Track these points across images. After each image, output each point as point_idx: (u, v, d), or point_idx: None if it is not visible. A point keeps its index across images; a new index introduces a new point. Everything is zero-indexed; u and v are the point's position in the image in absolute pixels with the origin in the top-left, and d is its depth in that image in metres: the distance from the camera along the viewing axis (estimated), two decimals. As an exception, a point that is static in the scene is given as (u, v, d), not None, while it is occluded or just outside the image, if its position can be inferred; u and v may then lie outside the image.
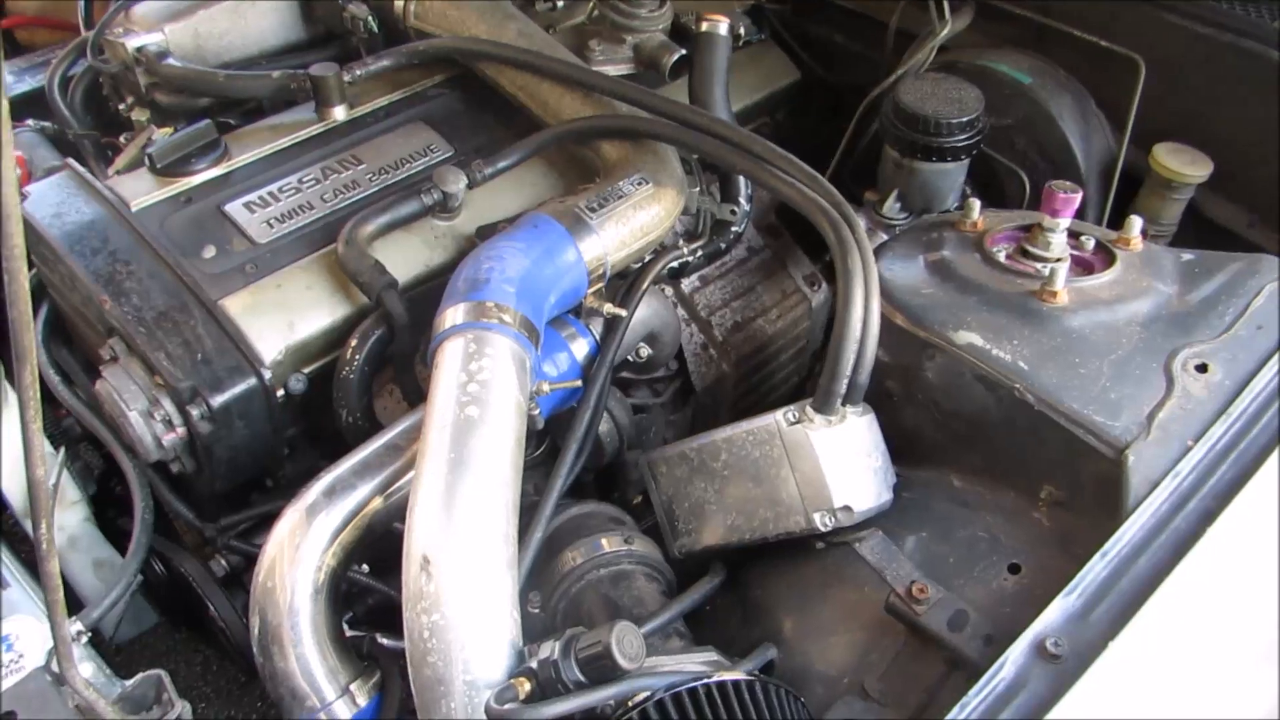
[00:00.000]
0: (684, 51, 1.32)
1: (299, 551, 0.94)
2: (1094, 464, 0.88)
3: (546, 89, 1.26)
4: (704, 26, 1.31)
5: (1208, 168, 1.24)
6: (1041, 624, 0.76)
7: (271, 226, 1.16)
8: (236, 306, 1.08)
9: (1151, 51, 1.25)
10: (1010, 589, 0.90)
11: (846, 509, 0.93)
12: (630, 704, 0.76)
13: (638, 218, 1.13)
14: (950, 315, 0.99)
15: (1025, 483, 0.95)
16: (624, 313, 1.12)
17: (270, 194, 1.20)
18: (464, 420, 0.88)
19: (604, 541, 1.02)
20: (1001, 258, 1.04)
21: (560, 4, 1.46)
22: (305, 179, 1.22)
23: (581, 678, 0.79)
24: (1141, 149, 1.29)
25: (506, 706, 0.77)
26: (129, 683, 0.84)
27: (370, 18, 1.36)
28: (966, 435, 0.98)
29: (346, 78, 1.27)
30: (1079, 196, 1.01)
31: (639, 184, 1.14)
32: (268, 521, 1.15)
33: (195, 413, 1.02)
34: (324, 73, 1.26)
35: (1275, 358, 0.91)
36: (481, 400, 0.90)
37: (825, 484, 0.93)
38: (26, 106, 1.51)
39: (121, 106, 1.39)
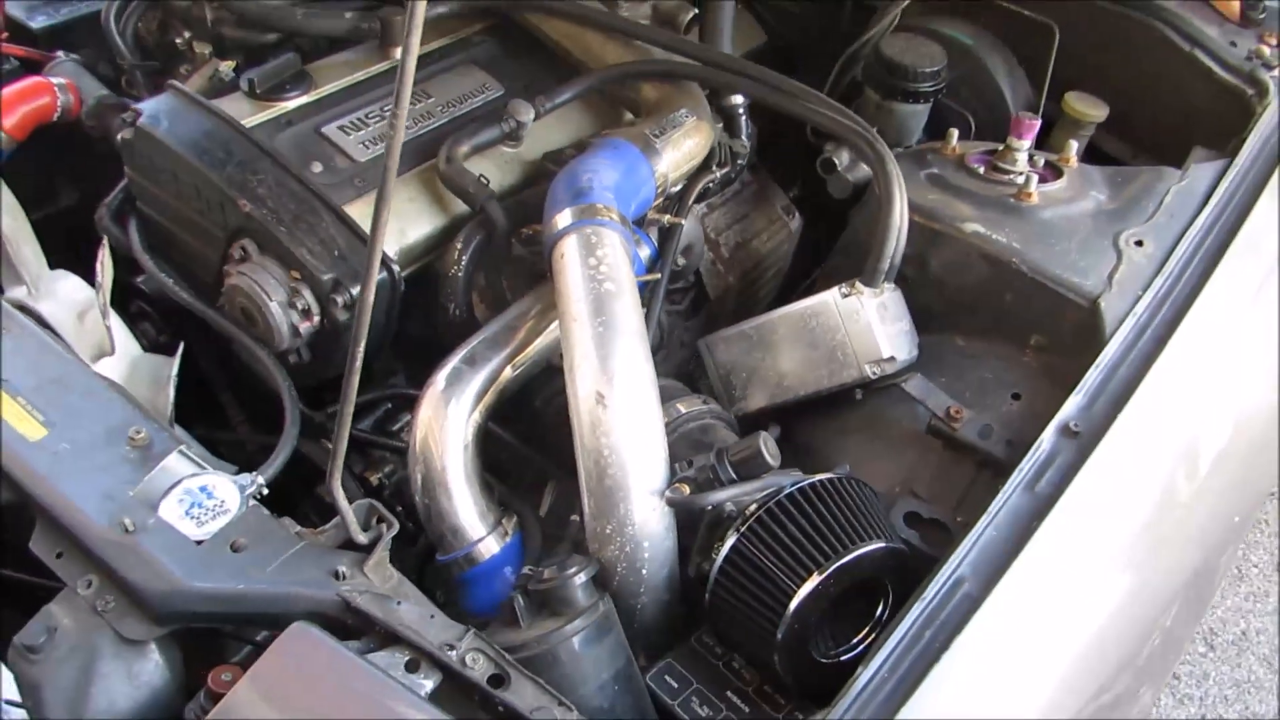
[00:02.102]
0: (696, 10, 1.57)
1: (449, 409, 1.13)
2: (1073, 314, 1.21)
3: (590, 37, 1.47)
4: (708, -9, 1.57)
5: (1105, 110, 1.60)
6: (1061, 413, 1.07)
7: (367, 147, 1.33)
8: (357, 213, 1.25)
9: (1061, 19, 1.60)
10: (1016, 410, 1.21)
11: (891, 359, 1.22)
12: (784, 493, 1.01)
13: (686, 144, 1.38)
14: (955, 212, 1.29)
15: (1016, 336, 1.26)
16: (683, 221, 1.37)
17: (359, 119, 1.36)
18: (603, 293, 1.10)
19: (683, 403, 1.26)
20: (981, 171, 1.36)
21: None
22: (386, 108, 1.39)
23: (735, 475, 1.04)
24: (1051, 98, 1.64)
25: (683, 499, 1.01)
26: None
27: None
28: (968, 304, 1.29)
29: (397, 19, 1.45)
30: (1039, 123, 1.33)
31: (686, 116, 1.39)
32: (368, 409, 1.34)
33: (340, 300, 1.19)
34: (391, 15, 1.43)
35: (1186, 234, 1.26)
36: (613, 278, 1.12)
37: (875, 341, 1.21)
38: (51, 39, 1.59)
39: (179, 41, 1.50)
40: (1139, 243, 1.26)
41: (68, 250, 1.34)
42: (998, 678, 0.92)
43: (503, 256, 1.32)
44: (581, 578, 1.01)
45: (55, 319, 1.28)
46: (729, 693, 1.06)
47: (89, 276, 1.26)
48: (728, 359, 1.33)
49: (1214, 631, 2.30)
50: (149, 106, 1.28)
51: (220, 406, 1.42)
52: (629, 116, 1.52)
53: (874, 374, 1.22)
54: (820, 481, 1.04)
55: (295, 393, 1.20)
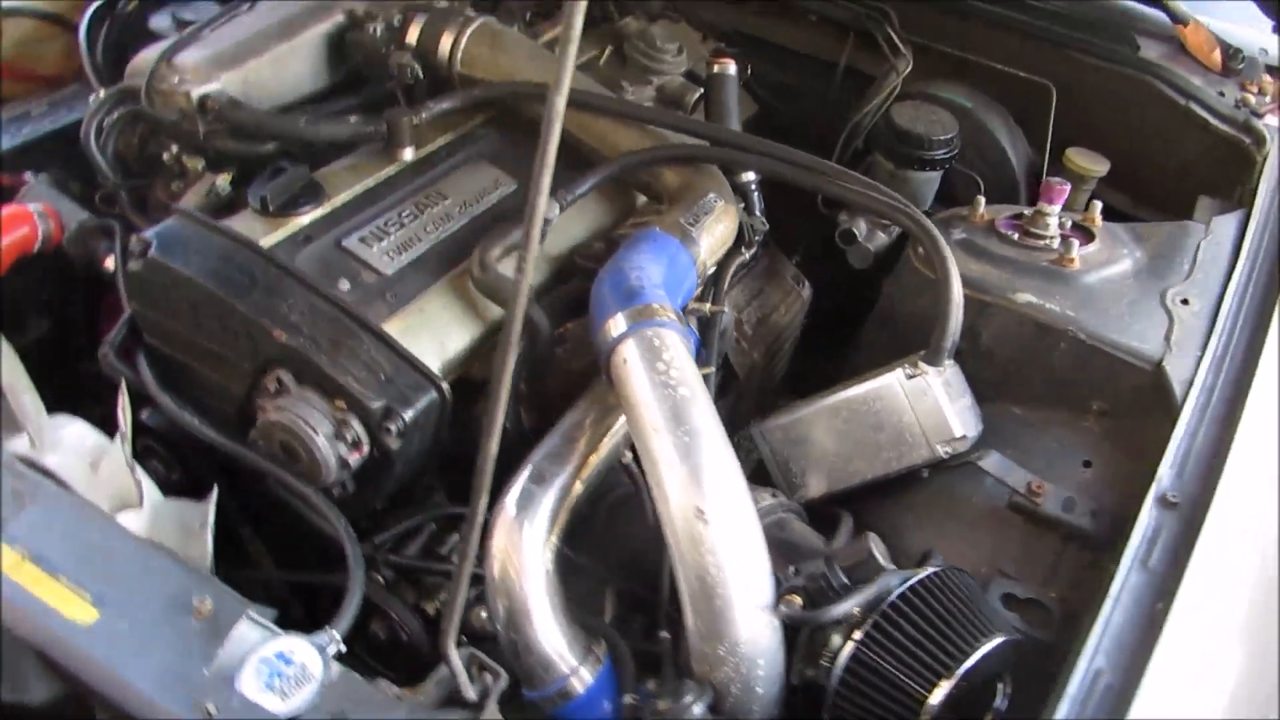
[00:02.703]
0: (702, 90, 1.57)
1: (525, 534, 1.08)
2: (1134, 378, 1.22)
3: (601, 124, 1.45)
4: (715, 69, 1.58)
5: (1106, 165, 1.64)
6: (1157, 485, 1.07)
7: (392, 258, 1.28)
8: (395, 330, 1.20)
9: (1057, 78, 1.65)
10: (1090, 478, 1.21)
11: (963, 438, 1.21)
12: (899, 593, 0.99)
13: (719, 229, 1.36)
14: (1002, 282, 1.30)
15: (1075, 402, 1.27)
16: (725, 309, 1.35)
17: (379, 229, 1.31)
18: (679, 400, 1.07)
19: (758, 496, 1.23)
20: (1016, 238, 1.37)
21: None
22: (404, 214, 1.34)
23: (847, 581, 1.01)
24: (1051, 156, 1.69)
25: (800, 614, 0.98)
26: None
27: (415, 65, 1.50)
28: (1021, 373, 1.30)
29: (415, 121, 1.41)
30: (1069, 187, 1.36)
31: (716, 201, 1.37)
32: (411, 535, 1.27)
33: (393, 428, 1.13)
34: (398, 119, 1.39)
35: (1229, 289, 1.29)
36: (685, 382, 1.09)
37: (945, 420, 1.21)
38: (16, 160, 1.50)
39: (166, 156, 1.43)
40: (1185, 301, 1.28)
41: (42, 388, 1.25)
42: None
43: (545, 360, 1.28)
44: (699, 709, 0.97)
45: (66, 472, 1.18)
46: None
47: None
48: (785, 445, 1.31)
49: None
50: (158, 235, 1.21)
51: (237, 544, 1.34)
52: (641, 200, 1.51)
53: (946, 454, 1.22)
54: (929, 577, 1.02)
55: (353, 532, 1.13)
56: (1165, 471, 1.08)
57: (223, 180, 1.39)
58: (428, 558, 1.27)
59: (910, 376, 1.21)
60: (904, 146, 1.53)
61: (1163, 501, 1.06)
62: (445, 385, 1.17)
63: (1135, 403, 1.22)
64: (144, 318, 1.25)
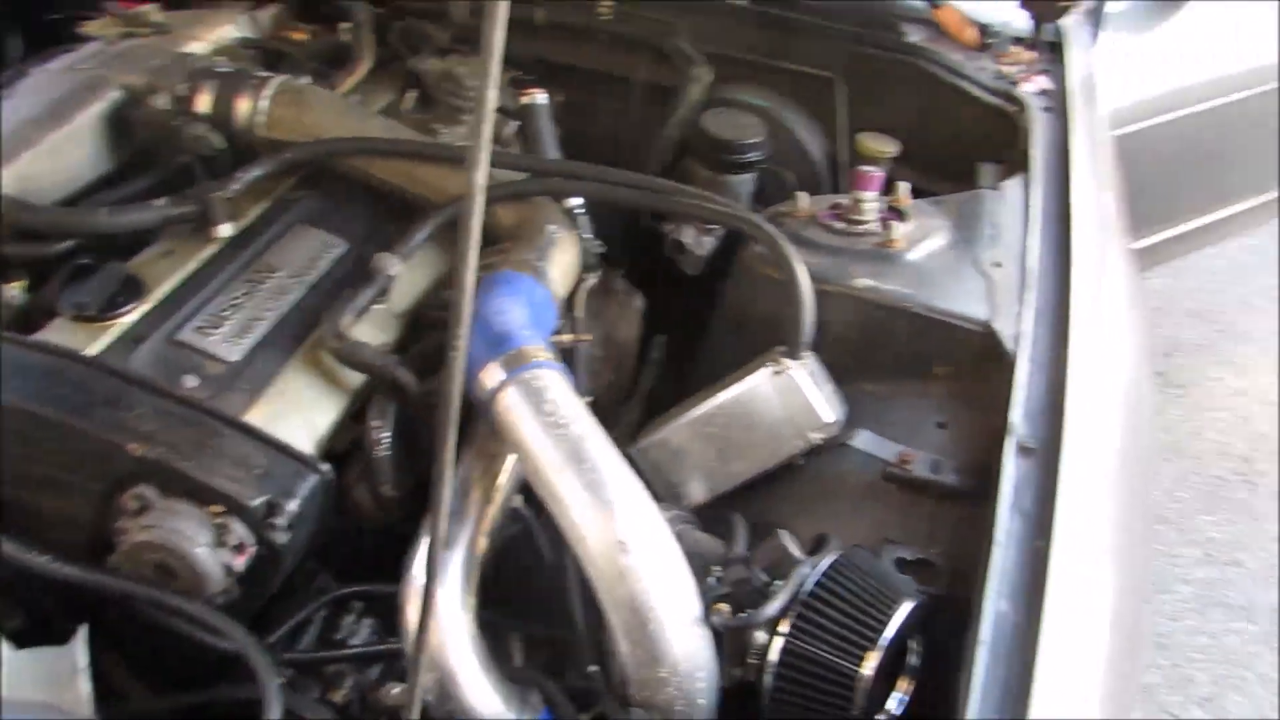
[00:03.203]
0: (518, 123, 1.58)
1: (440, 602, 1.07)
2: (968, 340, 1.34)
3: (423, 170, 1.44)
4: (525, 99, 1.60)
5: (896, 146, 1.78)
6: (1011, 434, 1.18)
7: (235, 344, 1.23)
8: (258, 419, 1.15)
9: (839, 71, 1.78)
10: (947, 439, 1.32)
11: (833, 423, 1.29)
12: (816, 580, 1.05)
13: (565, 260, 1.39)
14: (838, 271, 1.39)
15: (919, 370, 1.38)
16: (589, 337, 1.37)
17: (213, 315, 1.25)
18: (574, 438, 1.09)
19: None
20: (839, 227, 1.47)
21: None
22: (236, 295, 1.29)
23: (765, 577, 1.06)
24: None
25: (734, 621, 1.02)
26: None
27: (212, 136, 1.43)
28: (868, 354, 1.39)
29: (228, 195, 1.35)
30: (882, 174, 1.47)
31: (558, 233, 1.40)
32: (299, 631, 1.23)
33: (279, 523, 1.08)
34: (210, 194, 1.33)
35: (1029, 245, 1.44)
36: (576, 419, 1.11)
37: (814, 409, 1.28)
38: None
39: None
40: (997, 264, 1.42)
41: None
42: (1077, 690, 1.00)
43: (416, 420, 1.27)
44: None
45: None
46: None
47: None
48: (664, 460, 1.35)
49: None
50: None
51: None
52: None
53: (818, 440, 1.30)
54: (838, 559, 1.09)
55: (256, 641, 1.08)
56: (1017, 420, 1.20)
57: (15, 289, 1.28)
58: (326, 646, 1.24)
59: (776, 373, 1.28)
60: (718, 152, 1.61)
61: (1020, 448, 1.18)
62: (326, 467, 1.14)
63: (974, 363, 1.34)
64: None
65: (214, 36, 1.67)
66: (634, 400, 1.67)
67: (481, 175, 0.67)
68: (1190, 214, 3.01)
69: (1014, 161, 1.69)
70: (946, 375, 1.37)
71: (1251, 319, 3.71)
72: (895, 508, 1.28)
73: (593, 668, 1.14)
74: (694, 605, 1.05)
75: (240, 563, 1.09)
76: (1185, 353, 3.54)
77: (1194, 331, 3.63)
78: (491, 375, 1.15)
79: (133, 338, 1.20)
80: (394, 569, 1.14)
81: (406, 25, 1.82)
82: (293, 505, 1.09)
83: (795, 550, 1.08)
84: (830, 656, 1.04)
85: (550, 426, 1.10)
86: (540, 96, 1.59)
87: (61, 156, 1.39)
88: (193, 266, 1.31)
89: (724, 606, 1.06)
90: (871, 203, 1.49)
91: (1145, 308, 1.53)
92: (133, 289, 1.23)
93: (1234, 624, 2.60)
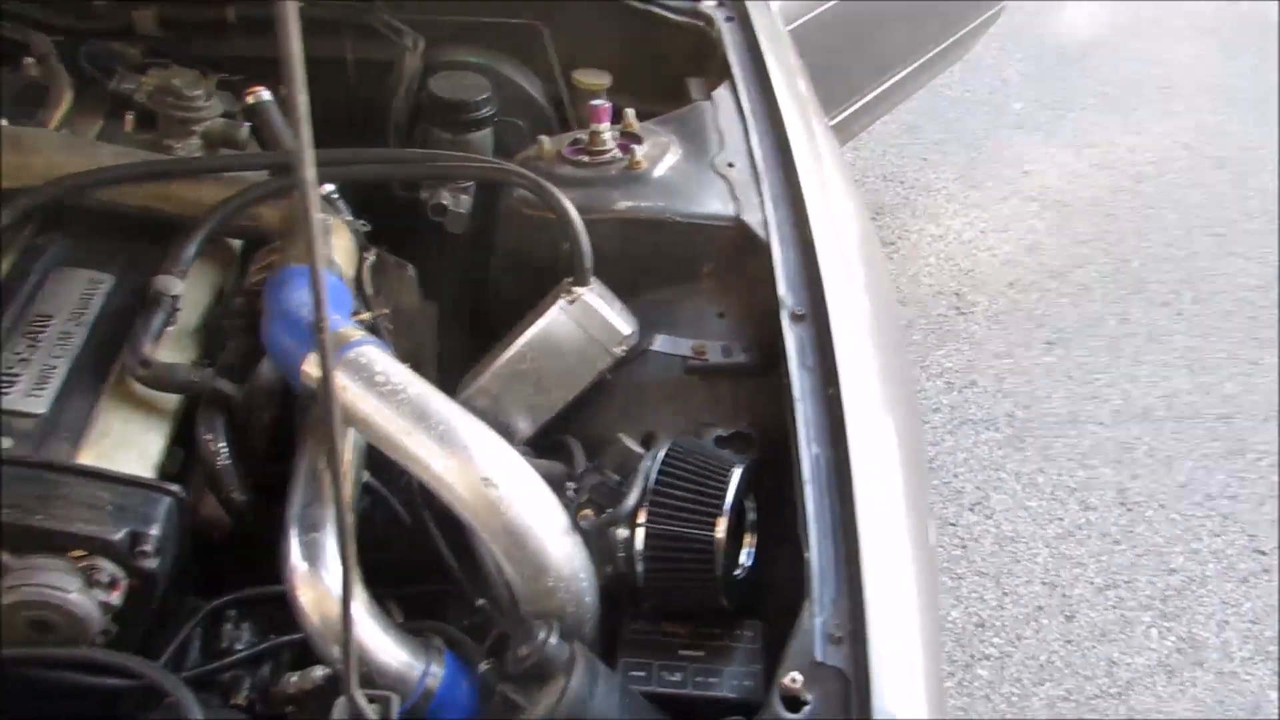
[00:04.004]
0: (249, 123, 1.62)
1: (327, 579, 1.16)
2: (724, 236, 1.55)
3: (178, 187, 1.46)
4: (250, 99, 1.64)
5: (608, 78, 1.96)
6: (782, 307, 1.41)
7: (37, 396, 1.23)
8: (91, 461, 1.17)
9: (542, 18, 1.93)
10: (729, 325, 1.53)
11: (631, 334, 1.47)
12: (658, 470, 1.23)
13: (341, 243, 1.48)
14: (597, 199, 1.55)
15: (690, 272, 1.58)
16: (386, 311, 1.46)
17: (4, 375, 1.24)
18: (414, 397, 1.20)
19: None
20: (587, 160, 1.63)
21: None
22: (18, 350, 1.28)
23: (617, 477, 1.23)
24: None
25: (601, 520, 1.18)
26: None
27: (-69, 199, 1.38)
28: (642, 267, 1.57)
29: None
30: (610, 105, 1.64)
31: (327, 220, 1.47)
32: (183, 651, 1.27)
33: (148, 548, 1.12)
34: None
35: (751, 141, 1.66)
36: (409, 382, 1.21)
37: (612, 325, 1.44)
38: None
39: None
40: (730, 164, 1.64)
41: None
42: (887, 507, 1.24)
43: (245, 427, 1.32)
44: (554, 637, 1.14)
45: None
46: (681, 651, 1.27)
47: None
48: (489, 405, 1.48)
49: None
50: None
51: None
52: (237, 245, 1.56)
53: (622, 353, 1.47)
54: (671, 445, 1.28)
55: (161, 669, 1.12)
56: (784, 293, 1.43)
57: None
58: (215, 657, 1.28)
59: (570, 302, 1.43)
60: (454, 114, 1.72)
61: (792, 316, 1.41)
62: (176, 487, 1.18)
63: (733, 255, 1.55)
64: None
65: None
66: (426, 364, 1.77)
67: (310, 171, 0.77)
68: (860, 91, 3.42)
69: (715, 72, 1.92)
70: (713, 271, 1.58)
71: (931, 172, 4.27)
72: (702, 395, 1.48)
73: (480, 601, 1.27)
74: (562, 517, 1.20)
75: (116, 597, 1.13)
76: (887, 213, 4.04)
77: (889, 194, 4.15)
78: (312, 364, 1.23)
79: (-77, 417, 1.18)
80: (246, 575, 1.21)
81: (92, 48, 1.78)
82: (155, 529, 1.14)
83: (636, 448, 1.25)
84: (687, 530, 1.22)
85: (388, 396, 1.20)
86: (265, 93, 1.63)
87: None
88: (-55, 333, 1.28)
89: (588, 511, 1.21)
90: (607, 132, 1.66)
91: (852, 177, 1.80)
92: (-94, 367, 1.20)
93: (982, 435, 3.07)
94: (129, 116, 1.63)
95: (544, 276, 1.52)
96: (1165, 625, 2.57)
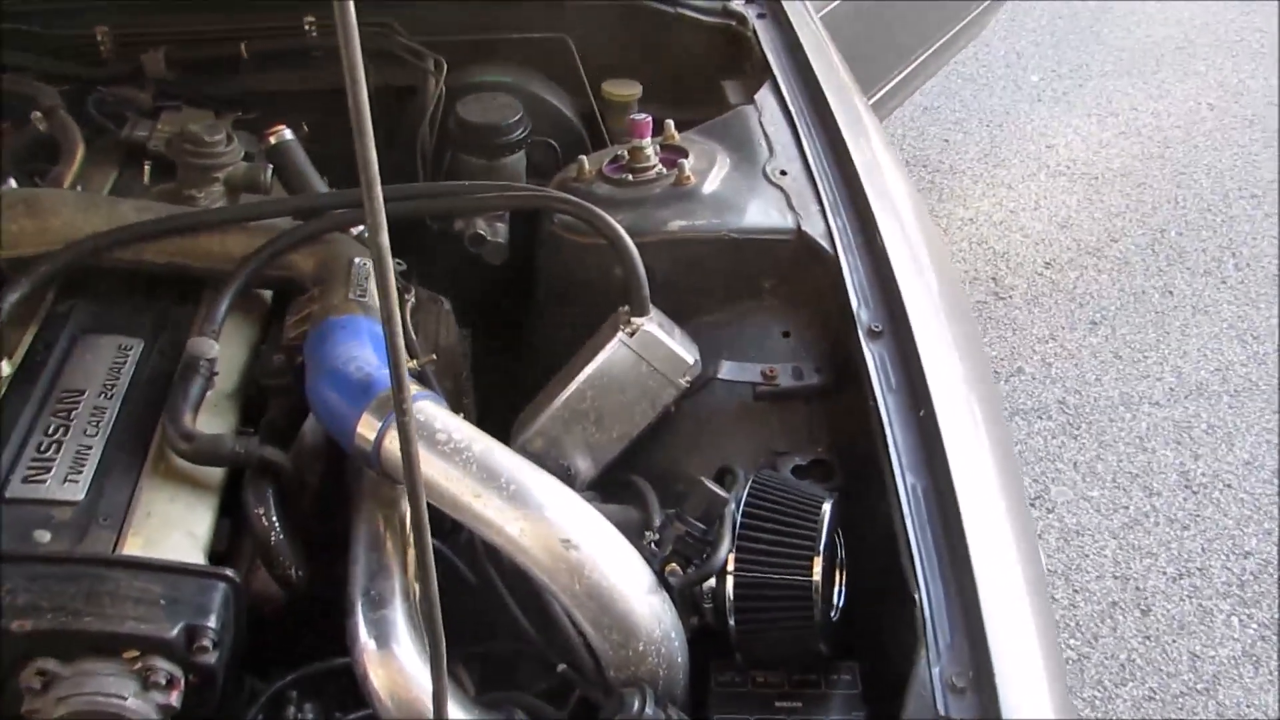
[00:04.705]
0: (271, 165, 1.52)
1: (401, 658, 1.07)
2: (785, 250, 1.45)
3: (205, 240, 1.37)
4: (272, 139, 1.54)
5: (639, 87, 1.86)
6: (860, 323, 1.31)
7: (75, 482, 1.14)
8: (138, 549, 1.08)
9: (568, 29, 1.83)
10: (795, 344, 1.43)
11: (695, 363, 1.37)
12: (742, 511, 1.13)
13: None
14: (647, 220, 1.45)
15: (749, 289, 1.48)
16: (433, 356, 1.37)
17: (36, 461, 1.15)
18: (479, 455, 1.10)
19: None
20: (630, 179, 1.53)
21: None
22: (52, 429, 1.19)
23: (702, 525, 1.13)
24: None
25: (693, 576, 1.09)
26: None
27: (-54, 273, 1.29)
28: (698, 288, 1.47)
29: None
30: (650, 119, 1.54)
31: (365, 264, 1.37)
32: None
33: (206, 643, 1.03)
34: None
35: (803, 146, 1.56)
36: (471, 439, 1.12)
37: (675, 355, 1.35)
38: None
39: None
40: (783, 172, 1.53)
41: None
42: (1000, 536, 1.14)
43: (296, 494, 1.23)
44: (649, 707, 1.04)
45: None
46: (777, 704, 1.17)
47: None
48: (548, 449, 1.38)
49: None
50: None
51: None
52: (267, 295, 1.46)
53: (687, 383, 1.37)
54: (753, 484, 1.18)
55: None
56: (858, 309, 1.33)
57: None
58: None
59: (630, 334, 1.33)
60: (486, 138, 1.62)
61: (869, 333, 1.30)
62: (230, 571, 1.09)
63: (795, 269, 1.45)
64: None
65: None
66: (465, 395, 1.68)
67: (379, 206, 0.67)
68: (884, 77, 3.31)
69: (752, 73, 1.81)
70: (774, 287, 1.48)
71: (954, 153, 4.16)
72: (773, 421, 1.38)
73: (560, 667, 1.17)
74: (647, 574, 1.10)
75: (175, 698, 1.04)
76: (913, 201, 3.91)
77: (915, 178, 4.03)
78: (369, 425, 1.14)
79: (-47, 508, 1.09)
80: (295, 644, 1.12)
81: (100, 96, 1.69)
82: (212, 621, 1.04)
83: (720, 492, 1.15)
84: (780, 577, 1.12)
85: (451, 456, 1.10)
86: (286, 133, 1.54)
87: None
88: (-18, 417, 1.19)
89: (674, 566, 1.12)
90: (649, 147, 1.56)
91: (907, 174, 1.70)
92: (-68, 464, 1.11)
93: (1035, 425, 2.96)
94: (146, 167, 1.54)
95: (590, 304, 1.43)
96: (1245, 612, 2.46)
